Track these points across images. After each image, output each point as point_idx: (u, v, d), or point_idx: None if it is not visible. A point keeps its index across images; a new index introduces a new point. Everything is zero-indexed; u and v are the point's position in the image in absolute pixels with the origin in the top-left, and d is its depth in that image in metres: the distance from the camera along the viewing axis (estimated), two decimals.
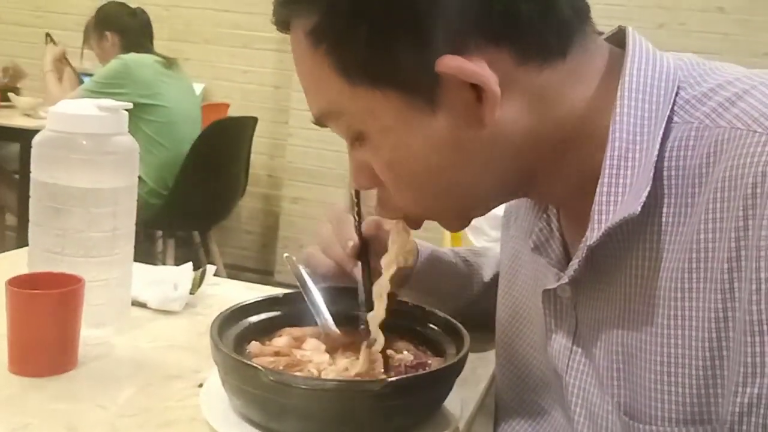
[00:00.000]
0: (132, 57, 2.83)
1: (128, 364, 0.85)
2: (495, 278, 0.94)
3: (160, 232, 3.29)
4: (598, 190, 0.58)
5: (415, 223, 0.70)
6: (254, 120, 3.32)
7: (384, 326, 0.82)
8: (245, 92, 4.02)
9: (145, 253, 3.39)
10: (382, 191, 0.67)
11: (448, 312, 0.86)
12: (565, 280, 0.63)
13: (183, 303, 1.01)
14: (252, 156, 3.40)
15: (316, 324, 0.83)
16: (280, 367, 0.73)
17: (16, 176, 3.12)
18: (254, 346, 0.77)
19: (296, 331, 0.81)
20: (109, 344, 0.89)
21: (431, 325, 0.81)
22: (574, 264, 0.61)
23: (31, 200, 0.86)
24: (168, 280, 1.02)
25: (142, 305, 1.01)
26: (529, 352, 0.76)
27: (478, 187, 0.63)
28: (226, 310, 0.78)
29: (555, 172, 0.62)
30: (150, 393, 0.78)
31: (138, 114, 2.68)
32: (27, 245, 0.90)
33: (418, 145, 0.60)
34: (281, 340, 0.79)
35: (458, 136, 0.59)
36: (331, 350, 0.78)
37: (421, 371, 0.70)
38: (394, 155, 0.62)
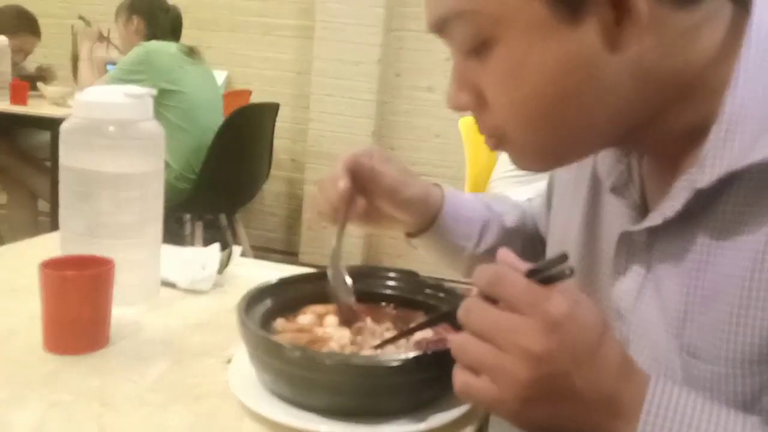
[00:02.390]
0: (153, 44, 2.87)
1: (158, 342, 0.88)
2: (518, 225, 0.96)
3: (188, 216, 3.34)
4: (714, 136, 0.58)
5: (500, 145, 0.66)
6: (276, 106, 3.35)
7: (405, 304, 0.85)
8: (267, 79, 4.05)
9: (173, 235, 3.46)
10: (480, 112, 0.65)
11: (467, 260, 0.87)
12: (657, 221, 0.63)
13: (211, 283, 1.03)
14: (275, 141, 3.43)
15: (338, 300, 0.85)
16: (303, 342, 0.75)
17: (47, 163, 3.19)
18: (280, 323, 0.79)
19: (320, 308, 0.83)
20: (139, 323, 0.92)
21: (453, 302, 0.82)
22: (675, 206, 0.61)
23: (60, 186, 0.89)
24: (196, 261, 1.05)
25: (172, 285, 1.03)
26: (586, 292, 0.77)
27: (591, 123, 0.61)
28: (253, 289, 0.80)
29: (663, 118, 0.62)
30: (180, 369, 0.81)
31: (160, 100, 2.71)
32: (59, 230, 0.93)
33: (548, 59, 0.57)
34: (305, 318, 0.81)
35: (591, 56, 0.57)
36: (346, 323, 0.79)
37: (443, 347, 0.71)
38: (517, 70, 0.59)
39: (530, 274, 0.53)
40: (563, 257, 0.53)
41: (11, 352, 0.82)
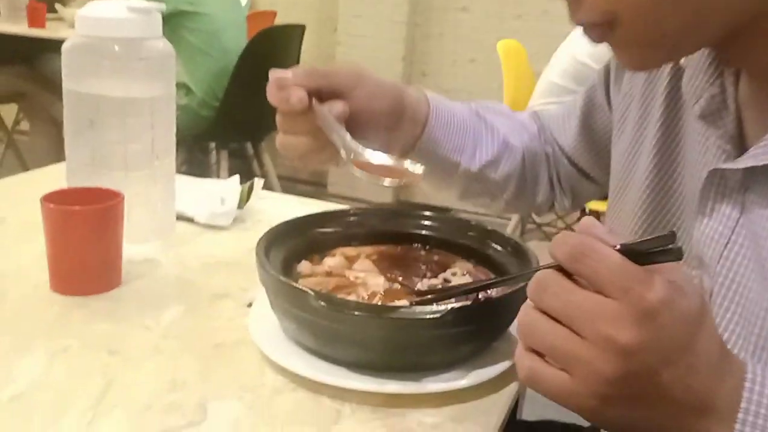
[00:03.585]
0: None
1: (174, 283, 0.81)
2: (526, 145, 0.86)
3: (213, 144, 3.27)
4: None
5: (606, 35, 0.55)
6: (302, 28, 3.21)
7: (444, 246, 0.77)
8: (292, 0, 3.89)
9: (199, 165, 3.40)
10: None
11: (461, 178, 0.78)
12: (760, 160, 0.54)
13: (231, 218, 0.96)
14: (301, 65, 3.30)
15: (372, 242, 0.77)
16: (330, 288, 0.68)
17: None
18: (304, 266, 0.72)
19: (350, 250, 0.76)
20: (154, 261, 0.85)
21: (494, 245, 0.74)
22: None
23: (65, 111, 0.81)
24: (215, 194, 0.98)
25: (189, 220, 0.96)
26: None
27: (717, 9, 0.52)
28: (275, 227, 0.72)
29: None
30: (196, 313, 0.74)
31: (182, 22, 2.61)
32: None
33: None
34: (334, 260, 0.73)
35: None
36: (367, 167, 0.66)
37: (484, 297, 0.63)
38: None
39: (624, 252, 0.43)
40: (670, 236, 0.43)
41: (17, 293, 0.76)
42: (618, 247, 0.43)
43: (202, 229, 0.95)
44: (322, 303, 0.57)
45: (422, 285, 0.70)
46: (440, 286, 0.69)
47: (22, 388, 0.60)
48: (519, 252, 0.71)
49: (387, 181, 0.65)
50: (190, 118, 2.73)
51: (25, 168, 3.30)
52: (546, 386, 0.45)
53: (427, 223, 0.78)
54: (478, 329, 0.61)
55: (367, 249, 0.76)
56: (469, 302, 0.59)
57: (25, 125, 3.54)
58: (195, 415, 0.58)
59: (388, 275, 0.71)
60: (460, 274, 0.72)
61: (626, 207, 0.70)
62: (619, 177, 0.73)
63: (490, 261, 0.73)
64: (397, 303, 0.64)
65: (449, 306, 0.58)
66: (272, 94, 0.68)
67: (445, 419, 0.59)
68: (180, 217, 0.95)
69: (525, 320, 0.46)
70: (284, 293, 0.61)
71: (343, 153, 0.67)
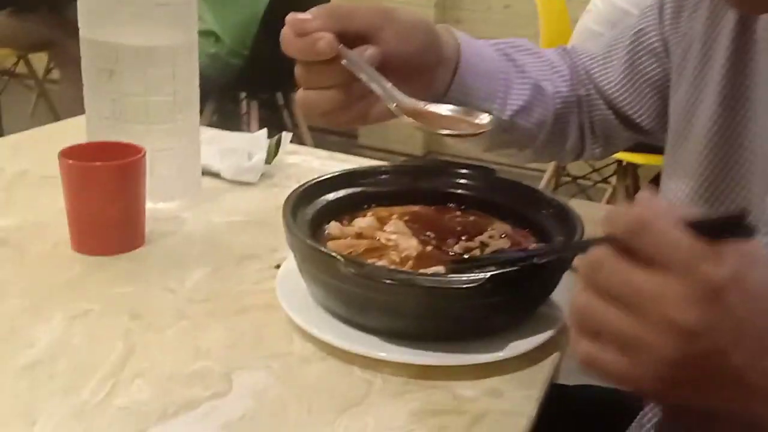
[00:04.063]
0: None
1: (199, 242, 0.78)
2: (562, 92, 0.79)
3: (243, 94, 3.22)
4: None
5: None
6: None
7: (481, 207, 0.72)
8: None
9: (229, 115, 3.36)
10: None
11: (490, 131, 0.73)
12: None
13: (258, 174, 0.92)
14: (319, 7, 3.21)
15: (404, 202, 0.72)
16: (360, 251, 0.64)
17: None
18: (333, 227, 0.68)
19: (382, 210, 0.71)
20: (179, 219, 0.82)
21: (535, 206, 0.69)
22: None
23: (82, 62, 0.77)
24: (242, 149, 0.94)
25: (215, 175, 0.93)
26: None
27: None
28: (303, 185, 0.69)
29: None
30: (222, 275, 0.71)
31: None
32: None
33: None
34: (365, 221, 0.69)
35: None
36: (411, 112, 0.60)
37: (523, 265, 0.59)
38: None
39: (689, 227, 0.38)
40: (741, 214, 0.38)
41: (36, 252, 0.73)
42: (681, 222, 0.38)
43: (228, 186, 0.91)
44: (352, 270, 0.54)
45: (458, 248, 0.66)
46: (477, 250, 0.65)
47: (39, 355, 0.58)
48: (562, 214, 0.66)
49: (446, 132, 0.59)
50: (219, 67, 2.67)
51: (57, 117, 3.30)
52: (606, 372, 0.41)
53: (463, 181, 0.73)
54: (518, 298, 0.57)
55: (400, 209, 0.72)
56: (509, 269, 0.55)
57: (55, 74, 3.52)
58: (219, 386, 0.55)
59: (421, 237, 0.67)
60: (497, 236, 0.68)
61: (685, 162, 0.65)
62: (677, 128, 0.67)
63: (531, 223, 0.69)
64: (431, 270, 0.60)
65: (488, 273, 0.54)
66: (291, 43, 0.59)
67: (482, 392, 0.56)
68: (206, 173, 0.92)
69: (579, 303, 0.41)
70: (312, 258, 0.58)
71: (390, 104, 0.59)
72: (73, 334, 0.60)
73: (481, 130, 0.60)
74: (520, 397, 0.56)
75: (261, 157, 0.93)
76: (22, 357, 0.57)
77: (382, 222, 0.70)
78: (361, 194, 0.72)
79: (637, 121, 0.79)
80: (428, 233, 0.68)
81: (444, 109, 0.61)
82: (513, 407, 0.55)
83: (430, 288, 0.53)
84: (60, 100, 3.39)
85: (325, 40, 0.58)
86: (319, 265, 0.57)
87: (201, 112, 0.86)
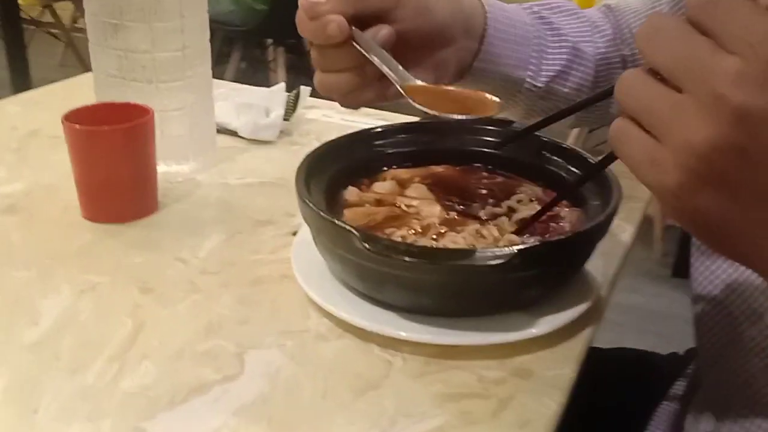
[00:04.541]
0: None
1: (214, 206, 0.75)
2: (601, 52, 0.74)
3: (269, 41, 3.16)
4: None
5: None
6: None
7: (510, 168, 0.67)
8: None
9: (256, 61, 3.30)
10: None
11: (525, 99, 0.68)
12: None
13: (277, 131, 0.88)
14: None
15: (427, 162, 0.68)
16: (379, 219, 0.60)
17: None
18: (351, 192, 0.64)
19: (403, 173, 0.67)
20: (193, 182, 0.79)
21: (569, 167, 0.64)
22: None
23: (86, 17, 0.73)
24: (259, 105, 0.89)
25: (232, 133, 0.89)
26: None
27: None
28: (317, 148, 0.64)
29: None
30: (237, 243, 0.68)
31: None
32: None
33: None
34: (384, 186, 0.65)
35: None
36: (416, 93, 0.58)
37: (555, 237, 0.54)
38: None
39: None
40: None
41: (45, 218, 0.71)
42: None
43: (245, 144, 0.88)
44: (367, 245, 0.50)
45: (484, 214, 0.61)
46: (504, 218, 0.61)
47: (44, 330, 0.55)
48: (598, 176, 0.61)
49: (455, 116, 0.56)
50: (243, 14, 2.61)
51: (86, 68, 3.28)
52: (629, 149, 0.36)
53: (489, 139, 0.68)
54: (548, 272, 0.53)
55: (422, 170, 0.68)
56: (537, 242, 0.51)
57: (82, 23, 3.49)
58: (231, 368, 0.52)
59: (445, 202, 0.63)
60: (527, 200, 0.63)
61: None
62: None
63: (564, 186, 0.64)
64: (453, 246, 0.55)
65: (514, 249, 0.49)
66: (304, 26, 0.58)
67: (509, 373, 0.52)
68: (222, 131, 0.88)
69: (626, 78, 0.37)
70: (326, 231, 0.54)
71: (398, 86, 0.58)
72: (80, 309, 0.58)
73: (492, 112, 0.58)
74: (552, 376, 0.52)
75: (279, 113, 0.89)
76: (26, 333, 0.55)
77: (403, 185, 0.66)
78: (380, 155, 0.68)
79: None
80: (452, 197, 0.63)
81: (454, 91, 0.59)
82: (543, 388, 0.51)
83: (451, 266, 0.49)
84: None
85: (336, 23, 0.56)
86: (334, 238, 0.54)
87: (227, 60, 0.82)
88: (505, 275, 0.50)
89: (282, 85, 0.94)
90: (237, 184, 0.79)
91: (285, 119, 0.90)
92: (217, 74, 0.85)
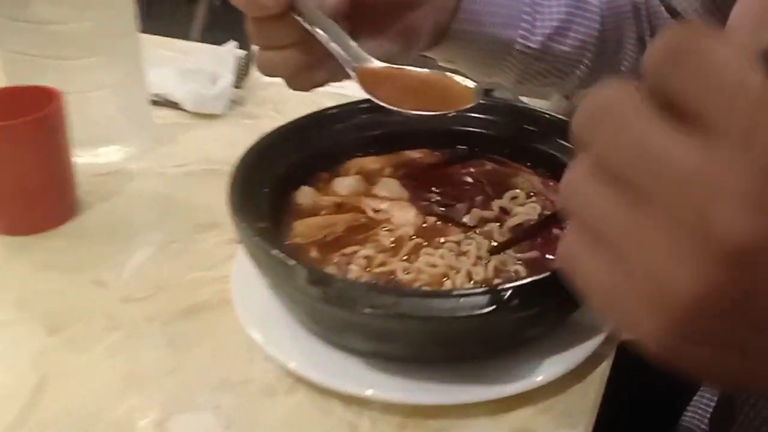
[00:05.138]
0: None
1: (147, 205, 0.62)
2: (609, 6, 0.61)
3: None
4: None
5: None
6: None
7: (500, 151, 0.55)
8: None
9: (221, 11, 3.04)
10: None
11: (518, 62, 0.57)
12: None
13: (225, 102, 0.75)
14: None
15: (399, 147, 0.55)
16: (339, 232, 0.48)
17: None
18: (305, 194, 0.51)
19: (371, 162, 0.54)
20: (124, 172, 0.66)
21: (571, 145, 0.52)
22: None
23: None
24: (204, 70, 0.76)
25: (173, 106, 0.75)
26: None
27: None
28: (260, 140, 0.51)
29: None
30: (171, 255, 0.56)
31: None
32: None
33: None
34: (347, 183, 0.52)
35: None
36: (368, 82, 0.47)
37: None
38: None
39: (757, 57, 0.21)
40: None
41: None
42: (751, 51, 0.21)
43: (189, 119, 0.74)
44: (315, 291, 0.37)
45: (470, 219, 0.49)
46: (495, 224, 0.48)
47: None
48: None
49: (414, 112, 0.45)
50: None
51: None
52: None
53: (475, 115, 0.55)
54: (548, 309, 0.41)
55: (394, 158, 0.55)
56: (540, 276, 0.38)
57: None
58: None
59: (422, 202, 0.50)
60: (523, 197, 0.51)
61: None
62: None
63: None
64: (430, 269, 0.43)
65: (509, 288, 0.37)
66: None
67: None
68: (162, 103, 0.75)
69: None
70: (265, 264, 0.42)
71: (349, 69, 0.47)
72: None
73: (460, 107, 0.46)
74: None
75: (228, 79, 0.75)
76: None
77: (371, 180, 0.53)
78: (342, 142, 0.55)
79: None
80: (430, 195, 0.51)
81: (420, 76, 0.45)
82: None
83: (427, 318, 0.37)
84: None
85: None
86: (275, 274, 0.41)
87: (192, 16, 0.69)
88: (497, 320, 0.38)
89: (233, 44, 0.80)
90: (177, 173, 0.66)
91: (236, 87, 0.76)
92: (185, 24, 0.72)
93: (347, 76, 0.48)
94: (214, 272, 0.53)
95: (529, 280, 0.38)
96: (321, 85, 0.50)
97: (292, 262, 0.39)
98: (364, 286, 0.37)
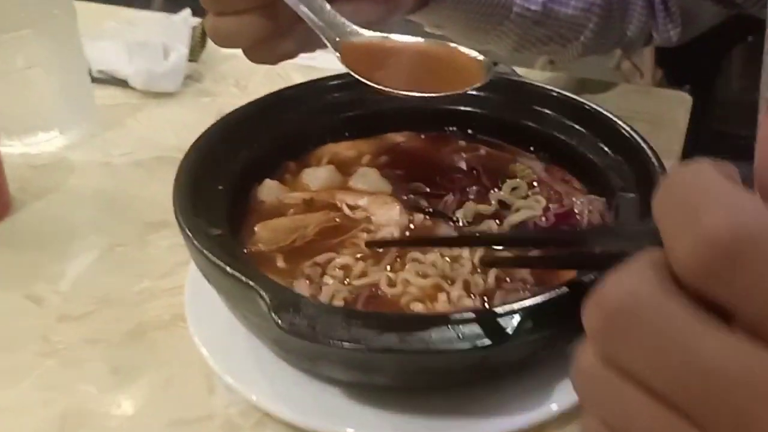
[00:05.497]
0: None
1: (89, 202, 0.54)
2: None
3: None
4: None
5: None
6: None
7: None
8: None
9: None
10: None
11: (517, 27, 0.52)
12: None
13: (179, 79, 0.67)
14: None
15: (378, 130, 0.48)
16: (310, 235, 0.40)
17: None
18: (268, 189, 0.44)
19: (346, 148, 0.47)
20: (63, 163, 0.58)
21: (581, 128, 0.45)
22: None
23: None
24: (155, 43, 0.67)
25: (122, 84, 0.67)
26: None
27: None
28: (214, 125, 0.44)
29: None
30: (116, 262, 0.48)
31: None
32: None
33: None
34: (318, 174, 0.45)
35: None
36: (354, 63, 0.39)
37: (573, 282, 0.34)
38: None
39: None
40: None
41: None
42: None
43: (138, 99, 0.66)
44: (281, 322, 0.30)
45: (463, 215, 0.42)
46: (492, 222, 0.41)
47: None
48: (628, 144, 0.41)
49: (409, 94, 0.37)
50: None
51: None
52: None
53: (469, 92, 0.48)
54: (568, 328, 0.34)
55: (373, 143, 0.48)
56: (556, 293, 0.31)
57: None
58: None
59: (407, 196, 0.43)
60: (524, 187, 0.43)
61: None
62: None
63: (576, 156, 0.44)
64: (417, 283, 0.36)
65: (518, 311, 0.30)
66: None
67: None
68: (106, 81, 0.66)
69: (584, 368, 0.19)
70: (220, 285, 0.34)
71: (324, 38, 0.39)
72: None
73: (468, 87, 0.38)
74: None
75: (182, 53, 0.67)
76: None
77: (346, 170, 0.46)
78: (312, 124, 0.47)
79: None
80: (417, 188, 0.44)
81: (418, 48, 0.38)
82: None
83: (419, 352, 0.30)
84: None
85: None
86: (232, 297, 0.34)
87: None
88: (497, 351, 0.31)
89: (187, 13, 0.71)
90: (124, 163, 0.58)
91: (191, 60, 0.68)
92: None
93: (321, 46, 0.40)
94: (167, 282, 0.46)
95: (541, 299, 0.31)
96: (288, 57, 0.43)
97: (251, 284, 0.32)
98: (340, 314, 0.30)
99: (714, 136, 1.17)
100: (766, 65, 0.47)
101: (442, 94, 0.38)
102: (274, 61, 0.44)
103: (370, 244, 0.37)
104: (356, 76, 0.38)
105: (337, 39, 0.39)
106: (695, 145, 0.61)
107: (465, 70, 0.39)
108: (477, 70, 0.39)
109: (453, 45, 0.40)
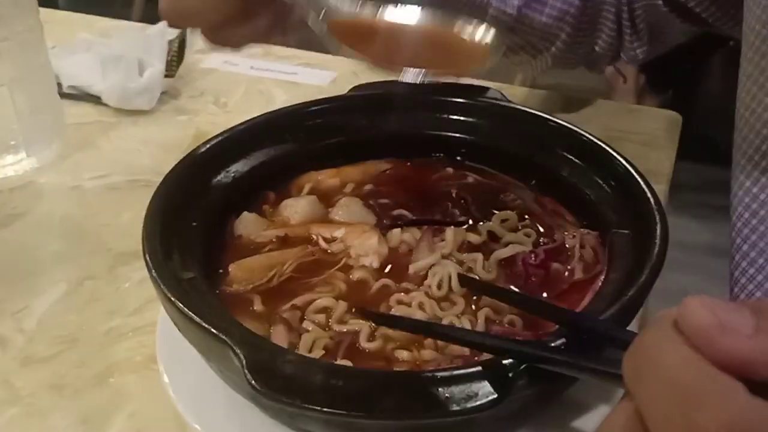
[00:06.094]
0: None
1: (57, 231, 0.52)
2: None
3: None
4: None
5: None
6: None
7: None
8: None
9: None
10: None
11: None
12: None
13: (155, 96, 0.64)
14: None
15: (362, 156, 0.46)
16: (288, 273, 0.38)
17: None
18: (246, 222, 0.41)
19: (329, 177, 0.45)
20: (31, 188, 0.55)
21: (571, 157, 0.42)
22: None
23: None
24: (130, 58, 0.64)
25: (96, 100, 0.64)
26: None
27: None
28: (189, 155, 0.41)
29: None
30: (84, 297, 0.46)
31: None
32: None
33: None
34: (298, 206, 0.42)
35: None
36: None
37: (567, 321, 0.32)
38: None
39: None
40: None
41: None
42: None
43: (111, 117, 0.63)
44: (257, 384, 0.28)
45: (449, 247, 0.39)
46: (479, 256, 0.39)
47: None
48: (624, 177, 0.39)
49: (410, 74, 0.34)
50: None
51: None
52: None
53: (454, 117, 0.46)
54: (558, 383, 0.32)
55: (357, 171, 0.46)
56: (555, 343, 0.29)
57: None
58: None
59: (389, 228, 0.41)
60: (515, 219, 0.41)
61: None
62: (760, 31, 0.41)
63: (567, 187, 0.42)
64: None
65: (506, 387, 0.28)
66: None
67: None
68: (77, 97, 0.64)
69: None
70: (191, 338, 0.32)
71: (313, 15, 0.36)
72: None
73: (468, 67, 0.37)
74: None
75: (158, 69, 0.64)
76: None
77: (328, 200, 0.43)
78: (292, 152, 0.45)
79: (696, 8, 0.54)
80: (402, 217, 0.41)
81: (411, 19, 0.36)
82: None
83: (407, 415, 0.28)
84: None
85: None
86: (204, 350, 0.32)
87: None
88: (493, 411, 0.29)
89: (163, 25, 0.68)
90: (95, 186, 0.55)
91: (167, 75, 0.65)
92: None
93: (289, 30, 0.37)
94: (138, 319, 0.43)
95: (542, 354, 0.29)
96: (255, 41, 0.40)
97: (224, 338, 0.29)
98: (320, 373, 0.28)
99: (695, 139, 1.17)
100: (742, 82, 0.45)
101: (440, 72, 0.36)
102: (237, 46, 0.41)
103: (360, 311, 0.35)
104: (349, 51, 0.35)
105: (321, 15, 0.36)
106: (677, 151, 0.59)
107: (468, 51, 0.37)
108: (480, 51, 0.36)
109: (457, 22, 0.37)
